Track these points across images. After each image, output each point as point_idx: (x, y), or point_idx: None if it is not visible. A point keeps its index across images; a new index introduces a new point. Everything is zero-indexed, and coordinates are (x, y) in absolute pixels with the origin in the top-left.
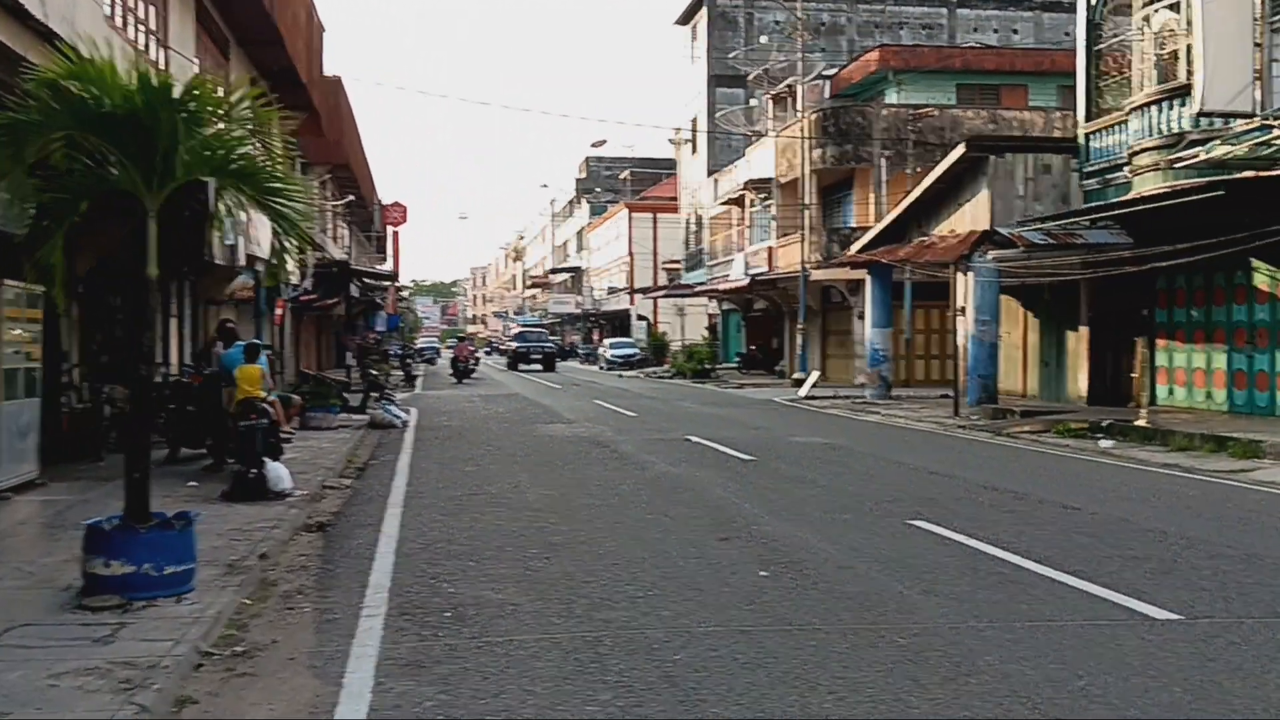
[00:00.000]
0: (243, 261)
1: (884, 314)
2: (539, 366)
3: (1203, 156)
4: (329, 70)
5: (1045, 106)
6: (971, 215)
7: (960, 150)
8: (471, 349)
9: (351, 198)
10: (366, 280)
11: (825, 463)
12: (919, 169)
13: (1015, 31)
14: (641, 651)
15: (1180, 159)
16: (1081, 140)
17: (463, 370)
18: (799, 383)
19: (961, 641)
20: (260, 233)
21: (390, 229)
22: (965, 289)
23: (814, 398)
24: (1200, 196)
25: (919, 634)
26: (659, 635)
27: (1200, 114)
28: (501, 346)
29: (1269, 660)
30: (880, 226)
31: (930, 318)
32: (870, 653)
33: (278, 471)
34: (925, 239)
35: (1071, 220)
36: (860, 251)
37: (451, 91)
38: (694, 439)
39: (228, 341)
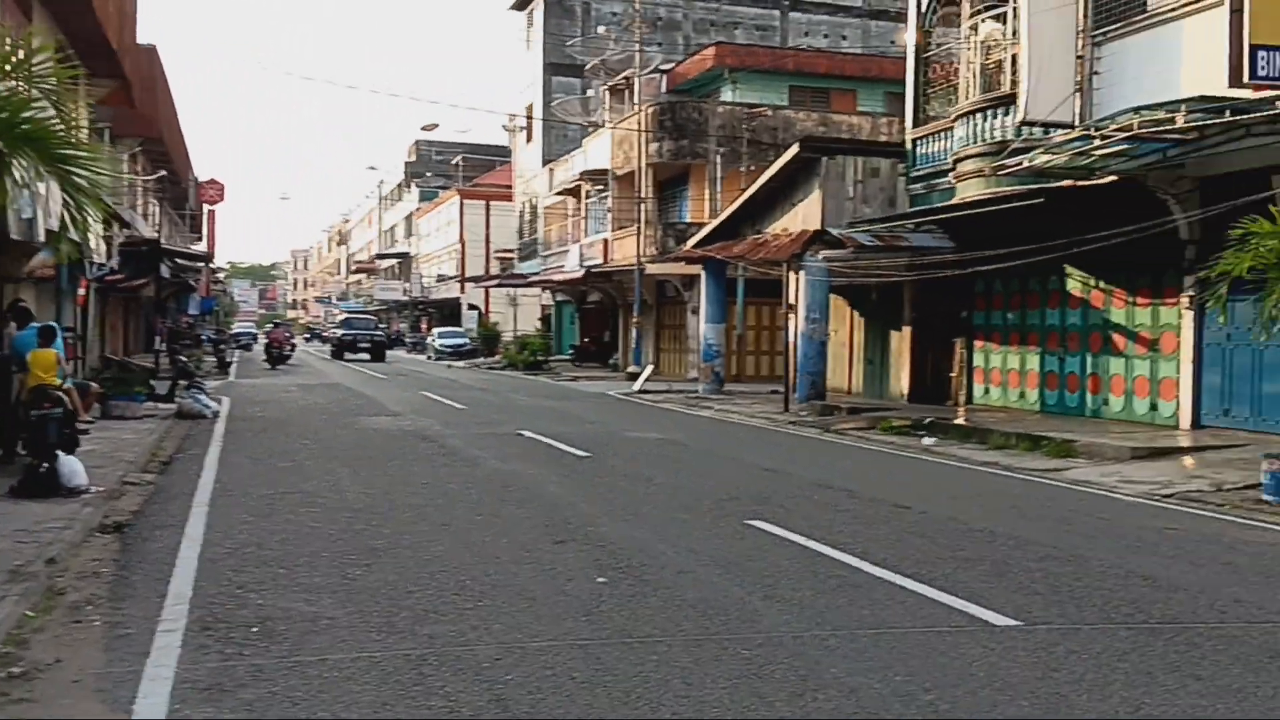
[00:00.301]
0: (42, 237)
1: (718, 310)
2: (366, 356)
3: (1025, 165)
4: (144, 38)
5: (873, 112)
6: (804, 215)
7: (794, 150)
8: (287, 334)
9: (164, 173)
10: (179, 261)
11: (662, 459)
12: (753, 167)
13: (844, 38)
14: (470, 671)
15: (1003, 166)
16: (909, 145)
17: (277, 356)
18: (633, 376)
19: (806, 652)
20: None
21: (206, 207)
22: (796, 287)
23: (648, 392)
24: (1022, 204)
25: (763, 644)
26: (489, 652)
27: (1023, 123)
28: (325, 333)
29: (1108, 670)
30: (715, 223)
31: (762, 314)
32: (714, 667)
33: (72, 466)
34: (759, 236)
35: (898, 223)
36: (696, 247)
37: (274, 64)
38: (527, 434)
39: (21, 323)
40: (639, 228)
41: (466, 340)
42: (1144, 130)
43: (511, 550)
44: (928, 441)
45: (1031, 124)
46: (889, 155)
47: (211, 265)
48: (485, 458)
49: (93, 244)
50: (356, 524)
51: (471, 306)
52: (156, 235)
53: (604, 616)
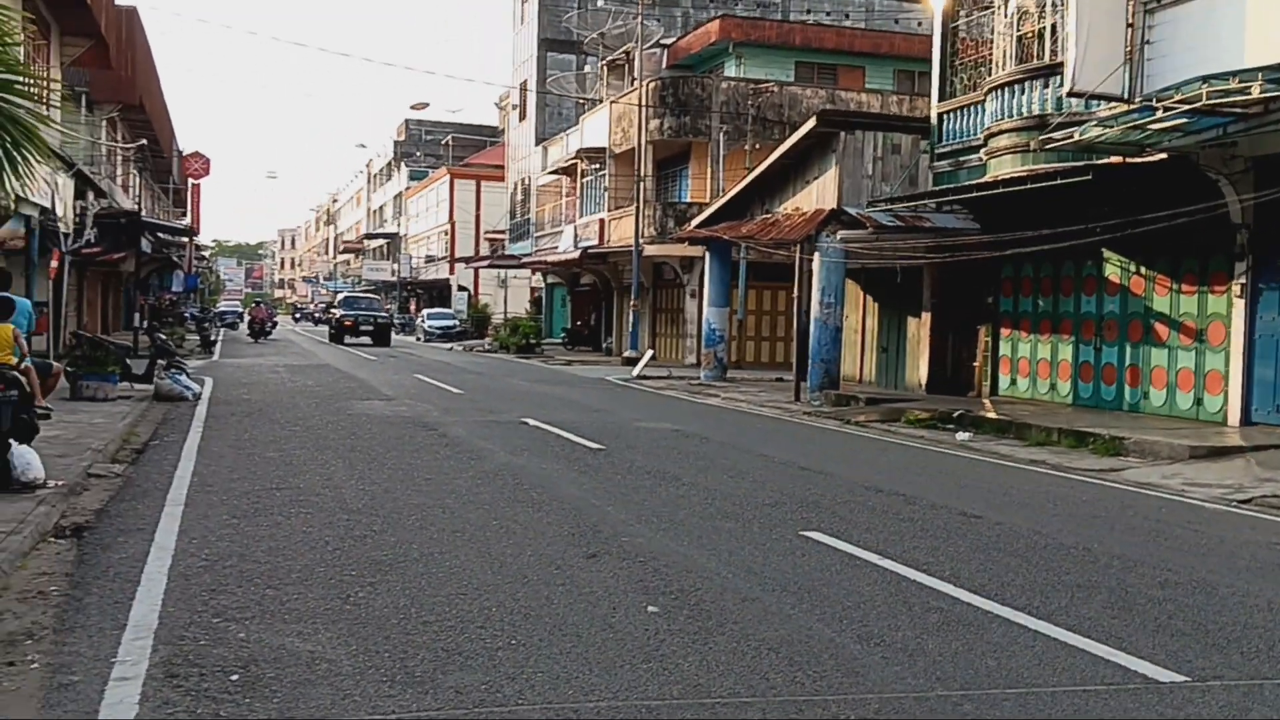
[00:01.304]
0: (9, 204)
1: (722, 293)
2: (368, 340)
3: (1076, 138)
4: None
5: (882, 90)
6: (819, 193)
7: (811, 123)
8: (269, 311)
9: (144, 142)
10: (161, 235)
11: (682, 454)
12: (758, 145)
13: (847, 16)
14: None
15: (1050, 140)
16: (935, 120)
17: (259, 331)
18: (630, 361)
19: None
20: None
21: (190, 181)
22: (806, 270)
23: (648, 377)
24: (1064, 182)
25: (880, 709)
26: (534, 717)
27: (1070, 94)
28: (316, 314)
29: None
30: (722, 202)
31: (763, 298)
32: None
33: (25, 457)
34: (770, 216)
35: (921, 202)
36: (700, 227)
37: (262, 29)
38: (531, 422)
39: None
40: (638, 207)
41: (456, 322)
42: (1213, 101)
43: (539, 566)
44: (962, 437)
45: (1079, 95)
46: (911, 131)
47: (196, 241)
48: (492, 450)
49: (60, 210)
50: (356, 529)
51: (461, 288)
52: (136, 207)
53: (668, 663)
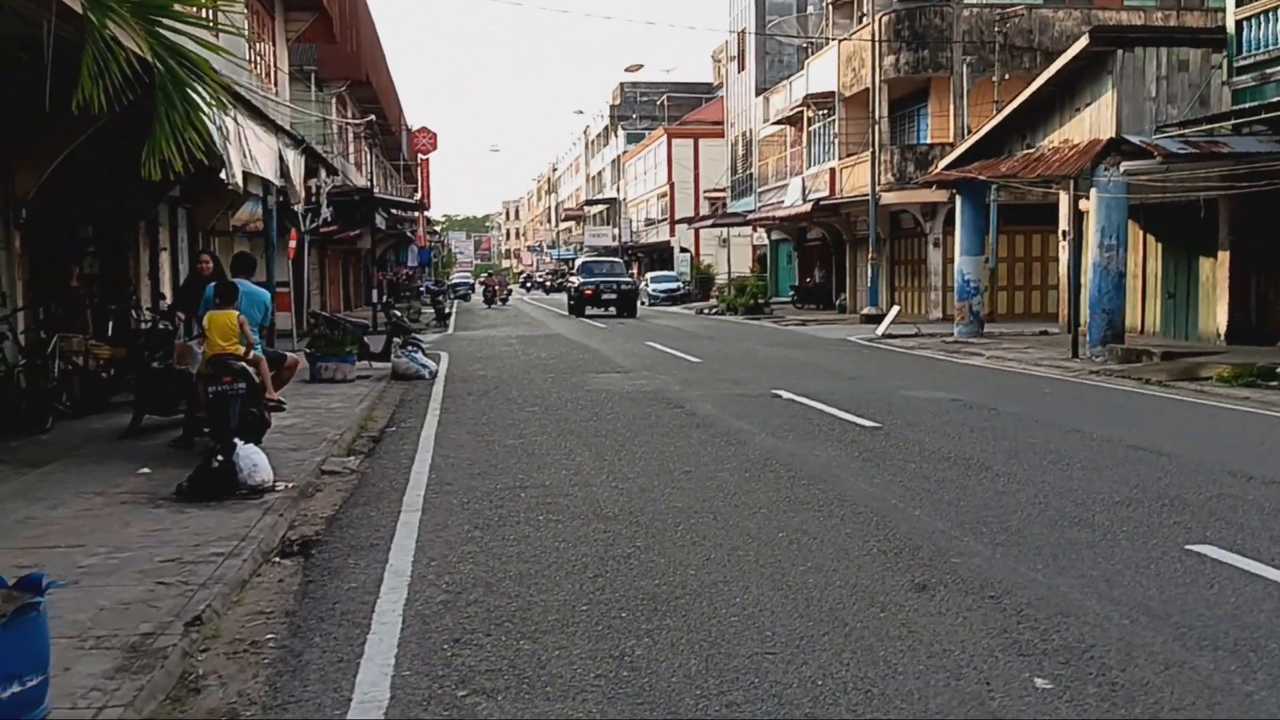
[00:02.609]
0: (237, 179)
1: (975, 240)
2: (613, 309)
3: None
4: None
5: (1143, 6)
6: (1091, 122)
7: (1083, 43)
8: (502, 280)
9: (373, 118)
10: (394, 211)
11: (976, 432)
12: (1007, 76)
13: None
14: None
15: None
16: (1231, 29)
17: (492, 296)
18: (870, 319)
19: None
20: (259, 146)
21: (419, 156)
22: (1076, 209)
23: (893, 336)
24: None
25: None
26: None
27: None
28: (550, 284)
29: None
30: (973, 139)
31: (1015, 244)
32: None
33: (253, 458)
34: (1033, 151)
35: (1219, 124)
36: (950, 168)
37: None
38: (785, 394)
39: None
40: (873, 153)
41: (680, 284)
42: None
43: (856, 604)
44: None
45: None
46: (1199, 44)
47: (427, 214)
48: (750, 431)
49: (294, 189)
50: (616, 545)
51: (682, 249)
52: (369, 184)
53: None
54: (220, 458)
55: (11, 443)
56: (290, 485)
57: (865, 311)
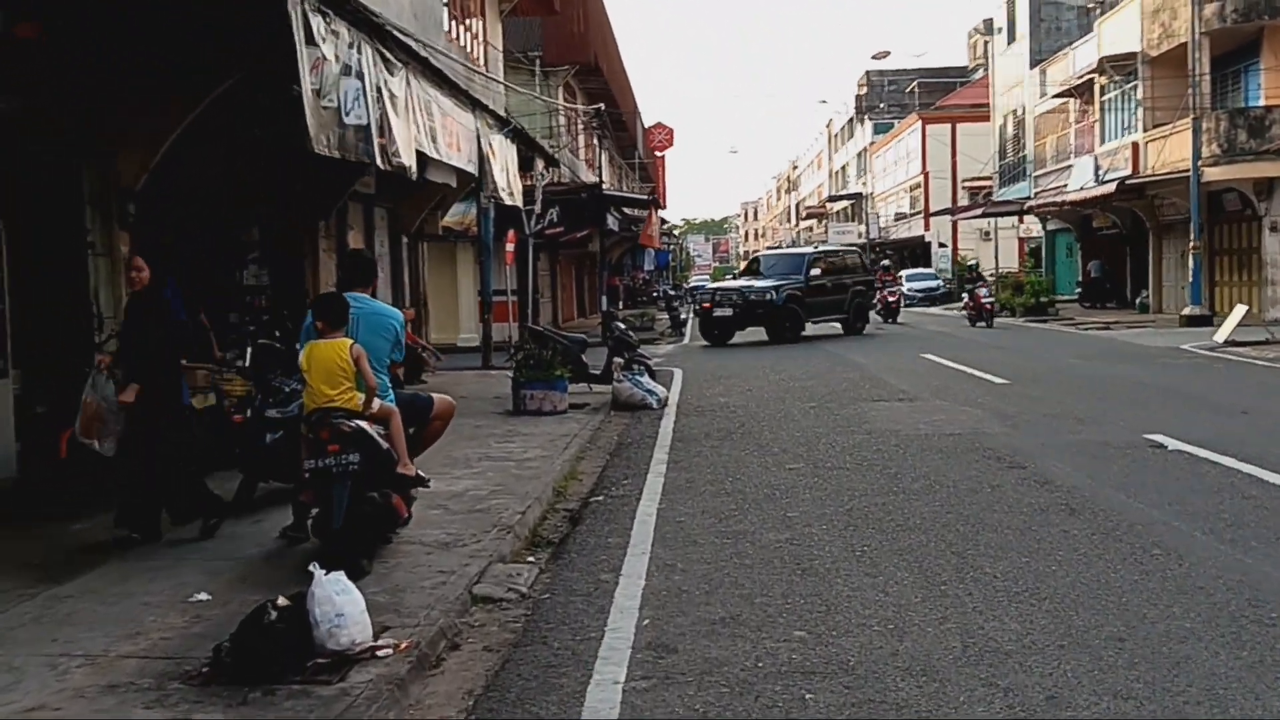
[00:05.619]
0: (403, 159)
1: None
2: (837, 325)
3: None
4: None
5: None
6: None
7: None
8: None
9: (601, 105)
10: (626, 211)
11: None
12: None
13: None
14: None
15: None
16: None
17: None
18: (1191, 320)
19: None
20: (454, 127)
21: (656, 154)
22: None
23: (1237, 343)
24: None
25: None
26: None
27: None
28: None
29: None
30: None
31: None
32: None
33: (338, 604)
34: None
35: None
36: None
37: None
38: (1167, 442)
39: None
40: (1194, 121)
41: (939, 282)
42: None
43: None
44: None
45: None
46: None
47: (661, 213)
48: (1164, 523)
49: (503, 185)
50: None
51: (940, 244)
52: (598, 180)
53: None
54: (275, 609)
55: (70, 526)
56: (401, 646)
57: (1186, 312)
